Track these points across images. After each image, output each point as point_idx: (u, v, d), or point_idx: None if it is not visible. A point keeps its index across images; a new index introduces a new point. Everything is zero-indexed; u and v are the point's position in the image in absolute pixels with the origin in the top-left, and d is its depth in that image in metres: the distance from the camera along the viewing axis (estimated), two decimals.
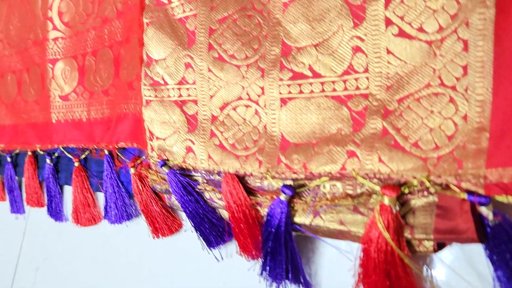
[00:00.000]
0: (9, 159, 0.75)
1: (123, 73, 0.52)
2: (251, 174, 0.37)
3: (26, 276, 0.73)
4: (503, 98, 0.25)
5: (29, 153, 0.70)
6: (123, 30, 0.52)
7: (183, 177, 0.42)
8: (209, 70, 0.39)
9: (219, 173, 0.40)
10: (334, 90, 0.33)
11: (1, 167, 0.80)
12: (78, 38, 0.59)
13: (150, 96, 0.43)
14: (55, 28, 0.62)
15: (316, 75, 0.34)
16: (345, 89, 0.33)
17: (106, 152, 0.55)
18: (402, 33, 0.30)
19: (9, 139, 0.75)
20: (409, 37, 0.30)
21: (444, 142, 0.28)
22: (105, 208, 0.57)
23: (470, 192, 0.27)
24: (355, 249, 0.37)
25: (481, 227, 0.28)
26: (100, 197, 0.61)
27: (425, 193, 0.29)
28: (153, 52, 0.43)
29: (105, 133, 0.56)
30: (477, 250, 0.30)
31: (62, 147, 0.62)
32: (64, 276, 0.67)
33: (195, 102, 0.40)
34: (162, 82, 0.43)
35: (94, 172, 0.60)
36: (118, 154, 0.53)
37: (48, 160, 0.65)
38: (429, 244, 0.30)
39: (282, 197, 0.35)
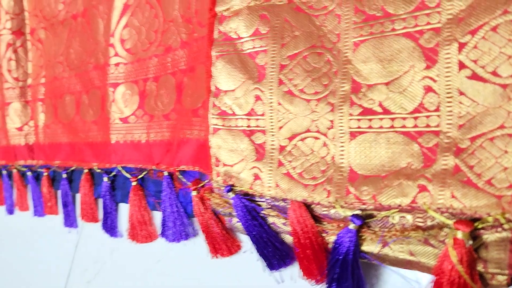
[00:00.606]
0: (64, 175, 0.78)
1: (186, 100, 0.55)
2: (319, 203, 0.39)
3: (78, 286, 0.77)
4: None
5: (86, 170, 0.73)
6: (187, 59, 0.55)
7: (249, 202, 0.45)
8: (279, 104, 0.41)
9: (284, 200, 0.42)
10: (404, 126, 0.35)
11: (55, 183, 0.84)
12: (140, 64, 0.63)
13: (217, 124, 0.46)
14: (116, 54, 0.66)
15: (386, 111, 0.36)
16: (415, 126, 0.35)
17: (166, 174, 0.58)
18: (475, 76, 0.32)
19: (65, 157, 0.79)
20: (483, 80, 0.31)
21: None
22: (163, 227, 0.59)
23: None
24: (420, 277, 0.38)
25: None
26: (156, 215, 0.64)
27: (499, 229, 0.31)
28: (222, 84, 0.46)
29: (165, 155, 0.58)
30: None
31: (120, 167, 0.65)
32: None
33: (264, 132, 0.43)
34: (230, 112, 0.45)
35: (151, 191, 0.63)
36: (179, 176, 0.55)
37: (105, 179, 0.68)
38: (503, 278, 0.31)
39: (351, 226, 0.37)
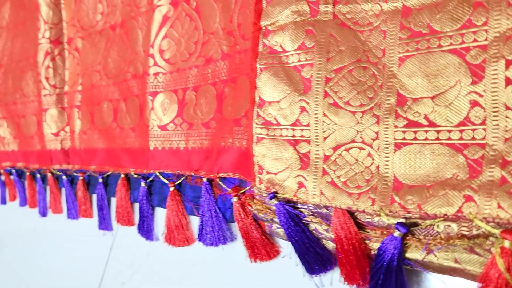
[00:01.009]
0: (100, 180, 0.81)
1: (226, 109, 0.57)
2: (363, 211, 0.41)
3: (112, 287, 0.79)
4: None
5: (122, 175, 0.76)
6: (229, 70, 0.57)
7: (292, 209, 0.46)
8: (324, 115, 0.43)
9: (327, 207, 0.44)
10: (450, 138, 0.37)
11: (90, 187, 0.86)
12: (179, 74, 0.65)
13: (261, 134, 0.48)
14: (156, 64, 0.69)
15: (431, 124, 0.38)
16: (461, 138, 0.36)
17: (205, 180, 0.60)
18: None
19: (101, 162, 0.81)
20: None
21: None
22: (200, 231, 0.62)
23: None
24: (457, 282, 0.40)
25: None
26: (192, 220, 0.66)
27: None
28: (267, 95, 0.48)
29: (204, 162, 0.61)
30: None
31: (158, 172, 0.68)
32: None
33: (308, 142, 0.45)
34: (274, 122, 0.47)
35: (189, 196, 0.65)
36: (220, 182, 0.57)
37: (143, 184, 0.71)
38: None
39: (396, 233, 0.39)
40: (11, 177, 1.14)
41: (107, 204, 0.81)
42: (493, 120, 0.35)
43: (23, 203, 1.10)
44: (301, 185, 0.45)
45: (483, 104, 0.35)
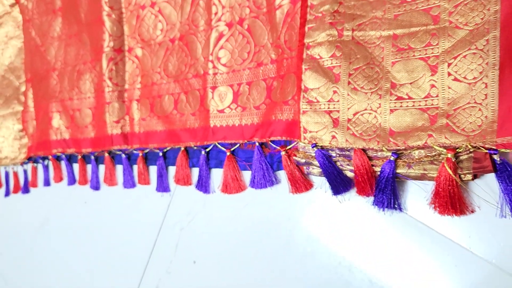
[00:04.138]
0: (161, 154, 1.09)
1: (275, 96, 0.87)
2: (372, 149, 0.72)
3: (171, 233, 1.06)
4: (506, 105, 0.61)
5: (182, 148, 1.04)
6: (277, 71, 0.87)
7: (326, 152, 0.77)
8: (348, 95, 0.74)
9: (348, 150, 0.75)
10: (420, 105, 0.69)
11: (147, 161, 1.13)
12: (235, 74, 0.95)
13: (306, 108, 0.78)
14: (214, 67, 0.98)
15: (410, 98, 0.70)
16: (426, 105, 0.68)
17: (257, 144, 0.90)
18: (456, 79, 0.66)
19: (161, 140, 1.09)
20: (459, 81, 0.65)
21: (475, 128, 0.63)
22: (252, 180, 0.90)
23: (489, 149, 0.62)
24: (425, 186, 0.71)
25: (494, 165, 0.63)
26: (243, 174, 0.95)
27: (468, 152, 0.64)
28: (310, 84, 0.78)
29: (255, 133, 0.90)
30: (493, 179, 0.65)
31: (217, 143, 0.97)
32: (207, 235, 1.00)
33: (338, 111, 0.75)
34: (315, 101, 0.78)
35: (241, 158, 0.94)
36: (271, 143, 0.87)
37: (203, 152, 0.99)
38: (470, 176, 0.65)
39: (392, 158, 0.70)
40: (61, 161, 1.37)
41: (166, 172, 1.09)
42: (442, 94, 0.67)
43: (72, 182, 1.34)
44: (333, 137, 0.76)
45: (437, 86, 0.67)
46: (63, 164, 1.38)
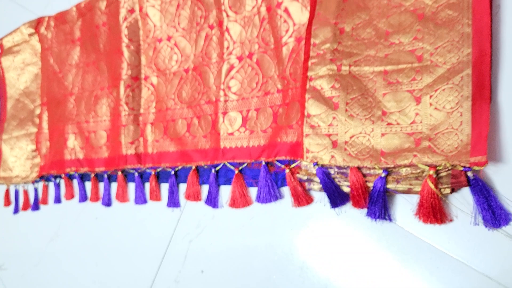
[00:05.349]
0: (172, 172, 1.19)
1: (281, 120, 0.99)
2: (366, 167, 0.84)
3: (181, 245, 1.15)
4: (477, 130, 0.73)
5: (193, 167, 1.15)
6: (283, 99, 1.00)
7: (326, 169, 0.89)
8: (345, 120, 0.87)
9: (345, 168, 0.87)
10: (406, 130, 0.81)
11: (159, 179, 1.24)
12: (244, 101, 1.07)
13: (309, 131, 0.91)
14: (225, 95, 1.10)
15: (398, 124, 0.82)
16: (412, 129, 0.81)
17: (264, 163, 1.01)
18: (436, 108, 0.79)
19: (173, 160, 1.19)
20: (439, 110, 0.78)
21: (452, 149, 0.76)
22: (258, 195, 1.01)
23: (464, 167, 0.74)
24: (411, 198, 0.83)
25: (468, 180, 0.75)
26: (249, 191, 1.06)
27: (446, 169, 0.76)
28: (312, 111, 0.91)
29: (262, 153, 1.02)
30: (468, 192, 0.77)
31: (226, 162, 1.08)
32: (215, 246, 1.10)
33: (336, 134, 0.88)
34: (316, 125, 0.90)
35: (249, 176, 1.05)
36: (276, 162, 0.99)
37: (213, 170, 1.10)
38: (448, 189, 0.77)
39: (383, 175, 0.82)
40: (73, 180, 1.47)
41: (177, 189, 1.19)
42: (425, 121, 0.80)
43: (84, 199, 1.44)
44: (332, 156, 0.88)
45: (421, 114, 0.80)
46: (75, 182, 1.47)
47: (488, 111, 0.72)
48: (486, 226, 0.73)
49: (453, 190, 0.78)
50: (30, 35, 1.71)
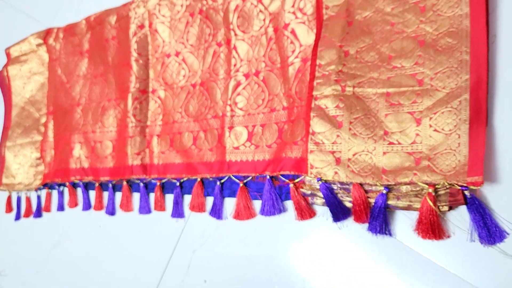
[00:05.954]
0: (178, 184, 1.23)
1: (286, 136, 1.03)
2: (368, 184, 0.88)
3: (184, 255, 1.18)
4: (474, 152, 0.78)
5: (199, 179, 1.18)
6: (288, 116, 1.04)
7: (330, 185, 0.93)
8: (349, 138, 0.91)
9: (348, 184, 0.91)
10: (407, 149, 0.86)
11: (164, 189, 1.27)
12: (250, 116, 1.11)
13: (313, 148, 0.95)
14: (232, 110, 1.14)
15: (399, 143, 0.87)
16: (412, 149, 0.85)
17: (268, 177, 1.05)
18: (436, 130, 0.83)
19: (178, 172, 1.23)
20: (438, 131, 0.83)
21: (451, 169, 0.80)
22: (262, 208, 1.05)
23: (461, 186, 0.79)
24: (410, 214, 0.87)
25: (465, 198, 0.79)
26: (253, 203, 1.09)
27: (445, 187, 0.81)
28: (316, 129, 0.95)
29: (266, 167, 1.06)
30: (465, 210, 0.81)
31: (231, 175, 1.12)
32: (219, 256, 1.13)
33: (340, 152, 0.92)
34: (321, 142, 0.94)
35: (253, 189, 1.09)
36: (281, 177, 1.03)
37: (218, 183, 1.14)
38: (446, 207, 0.81)
39: (384, 191, 0.86)
40: (77, 188, 1.50)
41: (182, 200, 1.22)
42: (424, 141, 0.84)
43: (87, 207, 1.46)
44: (336, 173, 0.92)
45: (421, 134, 0.85)
46: (79, 190, 1.50)
47: (484, 134, 0.77)
48: (481, 243, 0.77)
49: (450, 208, 0.82)
50: (38, 45, 1.74)
